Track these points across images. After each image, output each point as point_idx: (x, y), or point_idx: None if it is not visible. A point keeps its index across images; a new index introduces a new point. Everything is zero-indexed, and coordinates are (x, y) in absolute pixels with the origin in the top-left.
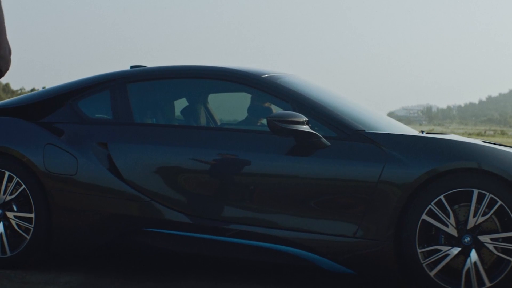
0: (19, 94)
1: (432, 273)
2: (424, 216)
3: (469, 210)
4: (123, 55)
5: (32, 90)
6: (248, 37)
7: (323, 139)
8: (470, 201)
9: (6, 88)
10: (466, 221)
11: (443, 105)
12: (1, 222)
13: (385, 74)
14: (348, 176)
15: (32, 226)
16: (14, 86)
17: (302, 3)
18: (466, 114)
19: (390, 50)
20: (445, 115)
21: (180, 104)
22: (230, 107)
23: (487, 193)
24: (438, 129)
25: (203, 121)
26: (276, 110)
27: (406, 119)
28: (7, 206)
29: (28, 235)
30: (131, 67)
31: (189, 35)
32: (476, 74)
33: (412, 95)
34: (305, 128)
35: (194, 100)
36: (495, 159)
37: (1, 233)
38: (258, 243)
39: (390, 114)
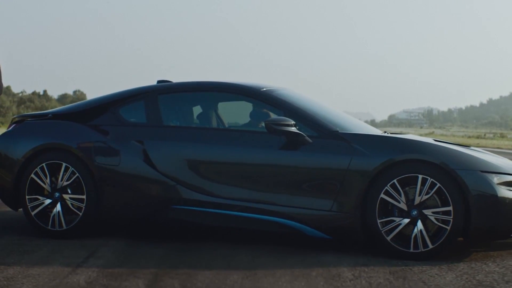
0: (20, 97)
1: (388, 238)
2: (382, 195)
3: (415, 190)
4: (123, 58)
5: (33, 93)
6: (257, 44)
7: (307, 137)
8: (416, 184)
9: (7, 90)
10: (413, 199)
11: (444, 107)
12: (59, 203)
13: (386, 77)
14: (325, 165)
15: (84, 205)
16: (16, 89)
17: (304, 7)
18: (467, 117)
19: (391, 53)
20: (446, 118)
21: (197, 110)
22: (235, 113)
23: (429, 178)
24: (438, 131)
25: (214, 124)
26: (271, 115)
27: (406, 122)
28: (63, 190)
29: (80, 212)
30: (158, 81)
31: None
32: (477, 77)
33: (413, 98)
34: (294, 129)
35: (208, 107)
36: (435, 152)
37: (59, 211)
38: (259, 216)
39: (391, 117)
